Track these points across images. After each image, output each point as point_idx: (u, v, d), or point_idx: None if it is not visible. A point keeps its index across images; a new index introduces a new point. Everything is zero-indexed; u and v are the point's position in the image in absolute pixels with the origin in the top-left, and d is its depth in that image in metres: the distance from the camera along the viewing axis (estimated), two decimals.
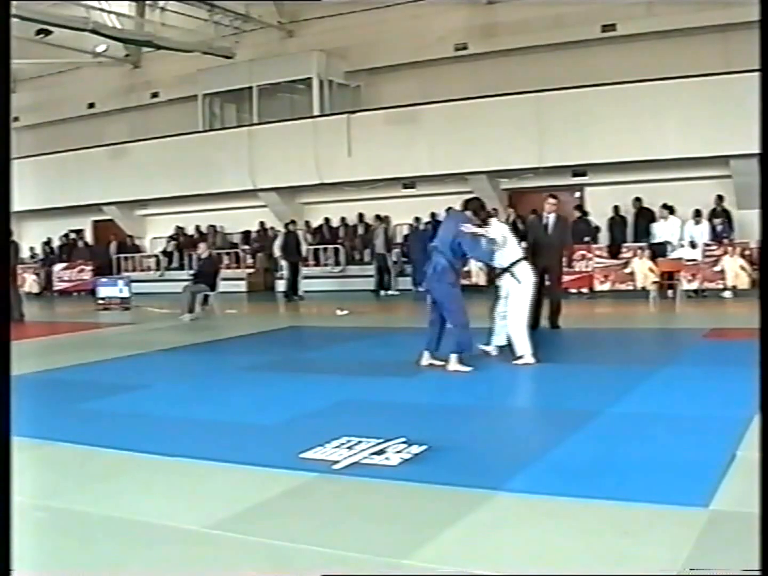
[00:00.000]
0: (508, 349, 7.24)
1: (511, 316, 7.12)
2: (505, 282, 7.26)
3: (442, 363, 6.89)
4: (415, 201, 17.94)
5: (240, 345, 9.73)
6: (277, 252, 16.88)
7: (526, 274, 7.19)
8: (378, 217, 18.12)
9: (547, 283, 9.26)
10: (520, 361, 6.95)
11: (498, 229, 7.19)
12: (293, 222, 17.09)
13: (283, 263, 16.95)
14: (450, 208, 6.77)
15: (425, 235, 16.92)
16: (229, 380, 6.90)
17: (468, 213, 7.01)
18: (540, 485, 3.57)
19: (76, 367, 7.71)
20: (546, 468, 3.88)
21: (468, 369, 6.70)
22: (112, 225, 21.83)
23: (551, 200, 8.96)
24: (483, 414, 5.29)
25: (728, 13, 15.02)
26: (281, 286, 17.26)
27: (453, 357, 6.74)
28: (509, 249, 7.16)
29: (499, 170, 16.60)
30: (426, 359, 7.01)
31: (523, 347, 7.00)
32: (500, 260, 7.17)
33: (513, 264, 7.12)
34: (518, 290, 7.11)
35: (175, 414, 5.49)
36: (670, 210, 14.49)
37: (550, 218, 9.56)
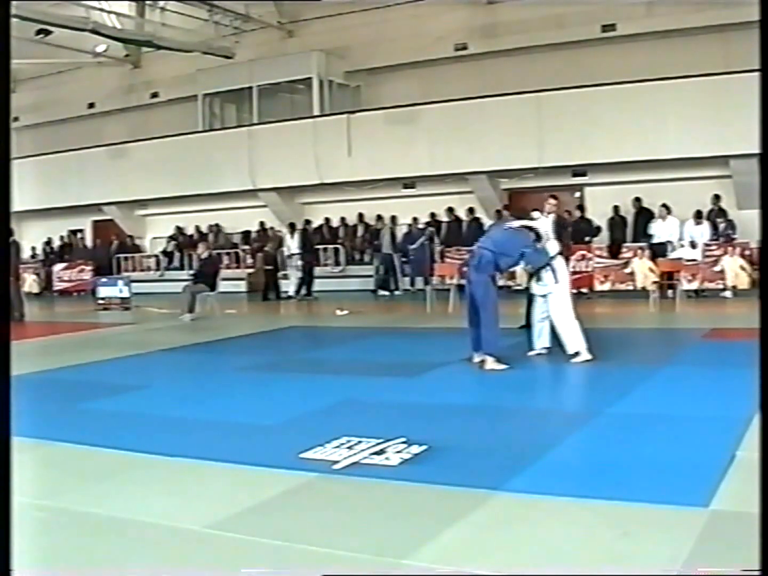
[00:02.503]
0: (558, 349, 7.17)
1: (557, 315, 7.08)
2: (543, 280, 7.20)
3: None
4: (415, 201, 17.95)
5: (240, 345, 9.73)
6: (294, 250, 16.82)
7: (562, 270, 7.22)
8: (379, 217, 18.12)
9: None
10: (578, 359, 6.91)
11: (543, 225, 7.34)
12: (308, 222, 17.43)
13: (290, 262, 16.92)
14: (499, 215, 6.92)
15: (425, 235, 16.97)
16: (229, 380, 6.90)
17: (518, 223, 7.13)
18: (540, 485, 3.57)
19: (76, 367, 7.71)
20: (546, 468, 3.88)
21: (504, 367, 6.70)
22: (112, 225, 21.81)
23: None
24: (483, 414, 5.29)
25: (728, 13, 15.01)
26: (284, 285, 17.16)
27: (488, 357, 6.76)
28: (549, 244, 7.24)
29: (499, 170, 16.59)
30: (477, 358, 6.94)
31: (578, 344, 6.96)
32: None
33: (551, 259, 7.15)
34: (556, 288, 7.11)
35: (175, 414, 5.48)
36: (669, 210, 14.49)
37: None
